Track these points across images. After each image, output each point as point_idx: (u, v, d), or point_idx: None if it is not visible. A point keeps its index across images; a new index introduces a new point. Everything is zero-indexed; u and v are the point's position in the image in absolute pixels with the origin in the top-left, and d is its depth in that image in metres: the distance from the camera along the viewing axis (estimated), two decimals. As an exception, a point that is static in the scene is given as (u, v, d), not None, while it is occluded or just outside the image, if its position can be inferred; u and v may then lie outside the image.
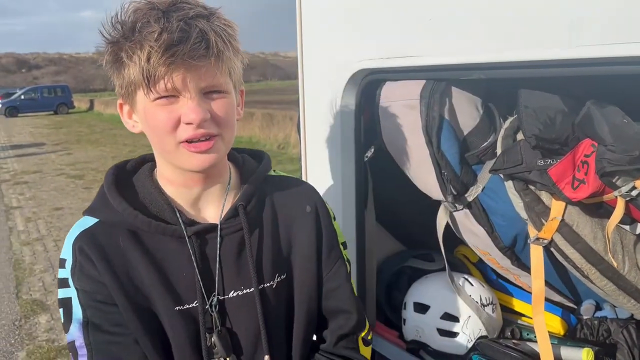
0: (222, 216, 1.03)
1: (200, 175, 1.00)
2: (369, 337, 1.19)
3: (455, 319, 1.63)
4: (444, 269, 1.75)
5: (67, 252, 0.99)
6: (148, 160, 1.09)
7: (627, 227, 1.48)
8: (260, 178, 1.09)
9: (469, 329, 1.63)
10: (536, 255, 1.48)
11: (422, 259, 1.89)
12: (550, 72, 1.23)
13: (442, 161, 1.44)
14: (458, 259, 1.93)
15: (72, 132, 20.90)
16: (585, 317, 1.82)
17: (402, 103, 1.46)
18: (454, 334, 1.63)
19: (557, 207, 1.42)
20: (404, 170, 1.57)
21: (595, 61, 1.08)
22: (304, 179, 1.81)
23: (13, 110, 32.43)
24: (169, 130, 0.91)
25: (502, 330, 1.75)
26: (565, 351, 1.56)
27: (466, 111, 1.45)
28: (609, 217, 1.43)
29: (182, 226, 0.99)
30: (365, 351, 1.18)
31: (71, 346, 1.00)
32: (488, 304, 1.69)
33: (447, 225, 1.67)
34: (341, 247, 1.16)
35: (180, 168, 0.98)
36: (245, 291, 1.04)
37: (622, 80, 1.25)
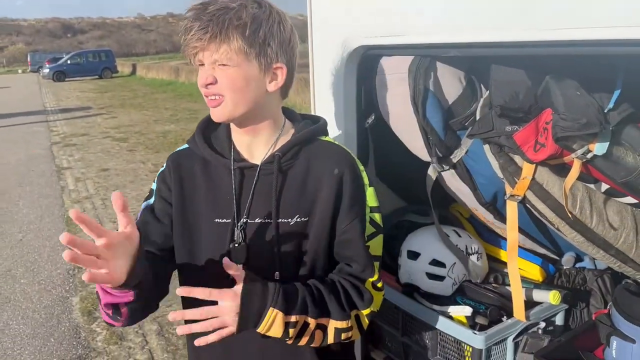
0: (263, 160, 1.29)
1: (237, 127, 1.29)
2: (379, 285, 1.32)
3: (442, 264, 1.87)
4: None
5: (165, 162, 1.38)
6: None
7: (592, 186, 1.67)
8: (303, 137, 1.31)
9: (454, 274, 1.87)
10: (511, 210, 1.69)
11: (418, 214, 2.12)
12: (518, 52, 1.42)
13: (428, 127, 1.65)
14: (452, 215, 2.15)
15: (116, 96, 21.59)
16: (565, 267, 2.03)
17: (394, 76, 1.68)
18: (440, 278, 1.87)
19: (528, 168, 1.62)
20: (397, 135, 1.79)
21: (545, 43, 1.27)
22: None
23: (60, 75, 33.54)
24: (200, 87, 1.22)
25: (486, 276, 1.98)
26: (536, 294, 1.78)
27: (450, 83, 1.65)
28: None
29: (232, 161, 1.29)
30: (377, 295, 1.31)
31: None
32: (473, 253, 1.92)
33: (439, 184, 1.89)
34: (367, 209, 1.32)
35: None
36: (267, 220, 1.28)
37: (581, 59, 1.43)
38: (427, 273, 1.88)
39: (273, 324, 1.17)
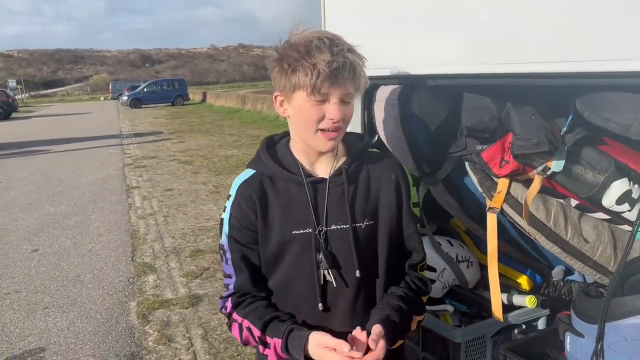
0: (331, 173, 1.43)
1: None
2: (424, 266, 1.58)
3: (432, 269, 2.09)
4: (434, 233, 2.21)
5: (233, 191, 1.46)
6: (286, 136, 1.52)
7: (562, 201, 1.86)
8: (360, 151, 1.48)
9: (444, 278, 2.08)
10: (491, 221, 1.90)
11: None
12: (485, 82, 1.67)
13: (414, 146, 1.91)
14: (452, 227, 2.36)
15: (185, 122, 22.79)
16: (554, 279, 2.19)
17: (387, 103, 1.95)
18: (431, 281, 2.09)
19: (502, 183, 1.83)
20: (392, 152, 2.05)
21: (495, 75, 1.52)
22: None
23: (137, 102, 35.73)
24: (313, 121, 1.33)
25: (477, 283, 2.17)
26: (516, 298, 1.97)
27: (435, 109, 1.91)
28: (545, 192, 1.83)
29: (303, 176, 1.42)
30: (422, 273, 1.57)
31: (221, 247, 1.48)
32: (463, 261, 2.12)
33: (433, 198, 2.12)
34: (411, 205, 1.51)
35: (313, 147, 1.40)
36: (342, 226, 1.41)
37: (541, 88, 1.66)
38: (420, 277, 2.11)
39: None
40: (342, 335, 1.38)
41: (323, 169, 1.46)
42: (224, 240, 1.47)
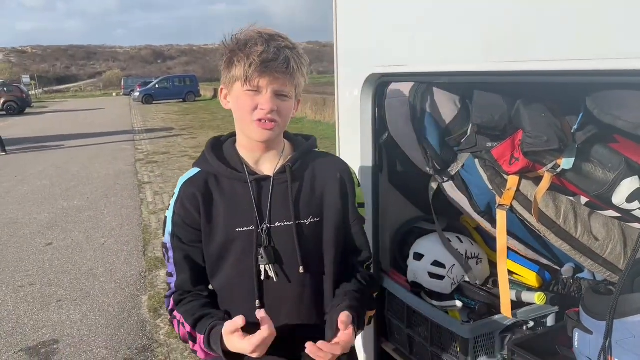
0: (275, 171, 1.47)
1: (261, 144, 1.44)
2: (370, 265, 1.64)
3: (442, 265, 2.11)
4: (444, 230, 2.23)
5: (177, 189, 1.49)
6: (233, 136, 1.55)
7: (572, 199, 1.86)
8: (305, 150, 1.52)
9: (453, 274, 2.10)
10: (500, 218, 1.91)
11: (427, 222, 2.37)
12: (497, 80, 1.68)
13: (425, 143, 1.92)
14: (462, 224, 2.37)
15: (197, 119, 22.90)
16: (563, 277, 2.20)
17: (398, 100, 1.96)
18: (440, 277, 2.11)
19: (512, 180, 1.84)
20: (403, 149, 2.07)
21: (505, 73, 1.53)
22: (337, 154, 2.37)
23: (149, 98, 35.97)
24: (248, 110, 1.37)
25: (487, 280, 2.18)
26: (525, 295, 1.98)
27: (446, 105, 1.92)
28: (555, 190, 1.84)
29: (247, 174, 1.45)
30: (369, 269, 1.63)
31: (164, 245, 1.50)
32: (473, 257, 2.14)
33: (444, 195, 2.13)
34: (357, 205, 1.56)
35: (249, 137, 1.43)
36: (286, 223, 1.44)
37: (552, 86, 1.66)
38: (429, 272, 2.13)
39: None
40: (289, 330, 1.45)
41: (268, 167, 1.49)
42: (166, 238, 1.49)
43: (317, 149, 1.60)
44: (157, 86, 37.27)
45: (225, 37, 1.42)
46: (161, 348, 4.00)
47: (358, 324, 1.41)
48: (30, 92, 40.42)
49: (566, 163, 1.67)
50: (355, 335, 1.38)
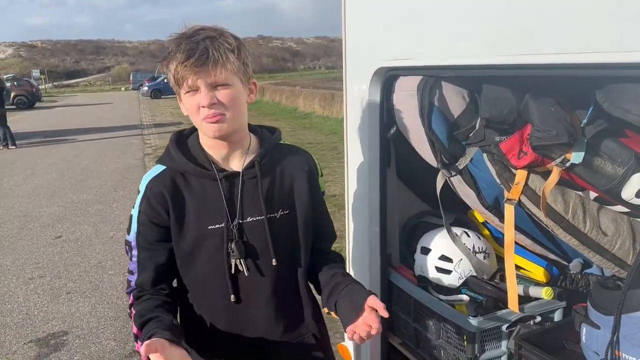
0: (243, 166, 1.47)
1: (223, 141, 1.43)
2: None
3: (449, 260, 2.10)
4: (452, 224, 2.22)
5: (142, 187, 1.47)
6: (195, 130, 1.53)
7: (581, 193, 1.85)
8: (271, 144, 1.54)
9: (460, 269, 2.09)
10: (508, 212, 1.91)
11: (435, 216, 2.36)
12: (505, 73, 1.67)
13: (433, 137, 1.91)
14: (469, 219, 2.37)
15: (205, 113, 22.93)
16: (571, 272, 2.19)
17: (406, 93, 1.96)
18: (448, 272, 2.11)
19: (520, 174, 1.83)
20: (411, 143, 2.06)
21: (514, 67, 1.52)
22: (345, 149, 2.37)
23: (157, 93, 36.13)
24: (195, 112, 1.37)
25: (494, 274, 2.18)
26: (532, 289, 1.97)
27: (454, 99, 1.91)
28: (564, 184, 1.83)
29: (215, 172, 1.45)
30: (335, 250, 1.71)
31: (127, 243, 1.51)
32: (480, 252, 2.13)
33: (451, 189, 2.13)
34: (321, 193, 1.65)
35: (208, 136, 1.43)
36: (257, 218, 1.46)
37: (561, 79, 1.65)
38: (436, 267, 2.12)
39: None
40: (261, 324, 1.50)
41: (236, 163, 1.49)
42: (131, 236, 1.49)
43: (282, 142, 1.62)
44: (165, 81, 37.03)
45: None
46: (169, 340, 4.03)
47: None
48: (40, 87, 40.67)
49: (575, 157, 1.66)
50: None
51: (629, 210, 1.86)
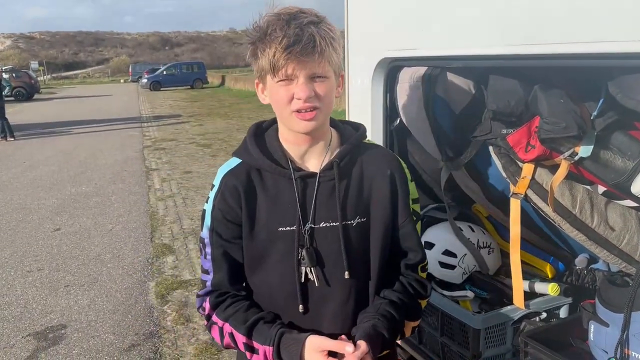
0: (321, 167, 1.33)
1: (306, 136, 1.31)
2: (426, 267, 1.47)
3: (453, 255, 2.07)
4: (456, 219, 2.19)
5: (217, 181, 1.37)
6: (275, 122, 1.40)
7: (589, 187, 1.81)
8: (354, 143, 1.38)
9: (464, 264, 2.06)
10: (514, 207, 1.87)
11: (439, 210, 2.33)
12: (513, 64, 1.63)
13: (438, 129, 1.88)
14: (474, 213, 2.33)
15: (204, 106, 22.86)
16: (577, 267, 2.15)
17: (410, 84, 1.92)
18: (452, 267, 2.07)
19: (527, 168, 1.79)
20: (415, 136, 2.02)
21: (522, 57, 1.48)
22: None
23: (157, 85, 35.94)
24: (285, 103, 1.24)
25: (498, 270, 2.15)
26: (538, 285, 1.94)
27: (460, 91, 1.87)
28: (572, 178, 1.79)
29: (292, 171, 1.33)
30: (423, 275, 1.46)
31: (201, 240, 1.40)
32: (485, 247, 2.10)
33: (456, 183, 2.09)
34: (411, 202, 1.39)
35: (292, 130, 1.30)
36: (331, 224, 1.32)
37: (571, 70, 1.61)
38: (440, 262, 2.09)
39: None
40: (330, 337, 1.30)
41: (313, 163, 1.36)
42: (205, 233, 1.40)
43: (366, 140, 1.45)
44: (164, 73, 37.22)
45: (248, 26, 1.29)
46: (168, 334, 3.99)
47: (391, 338, 1.31)
48: (38, 78, 40.51)
49: (584, 150, 1.62)
50: (380, 353, 1.28)
51: (638, 205, 1.83)
